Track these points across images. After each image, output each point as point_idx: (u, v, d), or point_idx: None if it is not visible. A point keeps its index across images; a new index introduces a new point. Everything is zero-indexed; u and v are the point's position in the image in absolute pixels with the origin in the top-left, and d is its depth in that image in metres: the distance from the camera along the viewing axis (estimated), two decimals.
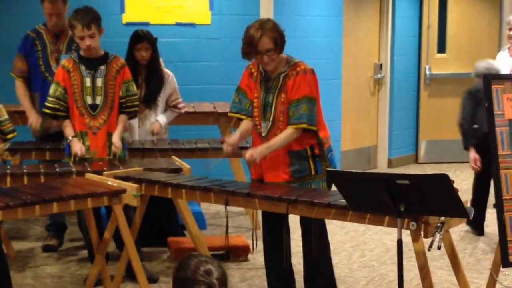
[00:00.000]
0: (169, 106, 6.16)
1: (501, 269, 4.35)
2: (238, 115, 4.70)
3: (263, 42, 4.41)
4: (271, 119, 4.55)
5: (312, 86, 4.52)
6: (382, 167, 9.42)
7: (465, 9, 9.66)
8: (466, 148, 6.44)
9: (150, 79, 5.87)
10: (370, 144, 9.34)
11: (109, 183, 4.61)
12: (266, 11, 7.66)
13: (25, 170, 4.99)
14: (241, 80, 4.72)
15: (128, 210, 4.78)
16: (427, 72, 9.56)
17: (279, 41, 4.44)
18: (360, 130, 9.22)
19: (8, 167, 5.13)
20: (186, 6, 7.57)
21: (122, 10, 7.41)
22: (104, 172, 4.79)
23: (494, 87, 4.29)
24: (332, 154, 4.65)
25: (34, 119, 5.85)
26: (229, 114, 4.78)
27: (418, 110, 9.69)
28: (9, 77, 6.00)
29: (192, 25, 7.60)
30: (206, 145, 5.96)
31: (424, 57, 9.56)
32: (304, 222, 4.60)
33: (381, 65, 9.26)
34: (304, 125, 4.47)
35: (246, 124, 4.68)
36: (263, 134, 4.59)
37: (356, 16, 8.93)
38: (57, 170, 5.02)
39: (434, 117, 9.68)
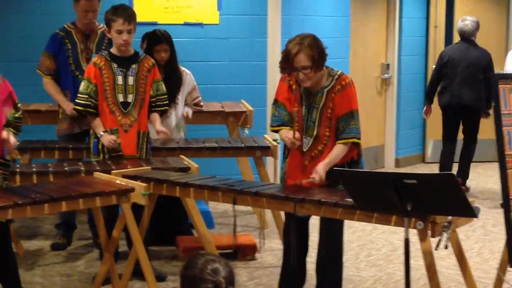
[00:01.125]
0: (189, 105, 6.18)
1: (508, 268, 4.33)
2: (281, 128, 4.54)
3: (299, 59, 4.27)
4: (314, 134, 4.45)
5: (355, 98, 4.46)
6: (389, 167, 9.41)
7: (473, 8, 9.63)
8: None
9: (169, 78, 5.87)
10: (378, 144, 9.33)
11: (118, 182, 4.62)
12: (274, 11, 7.66)
13: (34, 169, 5.01)
14: (278, 92, 4.56)
15: (137, 208, 4.78)
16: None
17: (317, 58, 4.30)
18: (367, 130, 9.17)
19: (18, 165, 5.15)
20: (194, 6, 7.58)
21: None
22: (113, 171, 4.80)
23: (501, 86, 4.27)
24: (362, 157, 4.61)
25: (73, 110, 5.73)
26: (271, 129, 4.62)
27: None
28: (23, 76, 5.97)
29: (200, 25, 7.60)
30: (214, 145, 5.96)
31: (431, 57, 9.54)
32: (324, 220, 4.52)
33: (388, 65, 9.25)
34: (355, 139, 4.43)
35: (287, 130, 4.49)
36: (304, 150, 4.48)
37: (364, 16, 8.91)
38: (66, 169, 5.03)
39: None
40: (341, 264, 4.67)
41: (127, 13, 5.20)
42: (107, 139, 5.22)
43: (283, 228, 4.79)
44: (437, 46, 9.52)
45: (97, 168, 5.01)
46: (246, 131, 6.69)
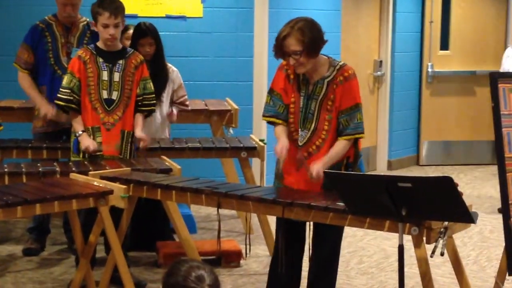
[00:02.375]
0: (175, 103, 6.17)
1: (507, 276, 4.36)
2: (273, 120, 4.52)
3: (289, 43, 4.27)
4: (312, 127, 4.45)
5: (359, 91, 4.47)
6: (381, 169, 9.44)
7: (470, 3, 9.68)
8: None
9: (155, 75, 5.86)
10: (369, 145, 9.35)
11: (95, 183, 4.61)
12: (261, 4, 7.67)
13: (6, 169, 4.99)
14: (275, 81, 4.55)
15: (115, 212, 4.78)
16: (430, 70, 9.58)
17: (309, 43, 4.27)
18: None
19: None
20: None
21: None
22: (90, 172, 4.79)
23: (500, 86, 4.30)
24: (361, 159, 4.60)
25: (48, 109, 5.73)
26: (263, 118, 4.60)
27: (420, 110, 9.71)
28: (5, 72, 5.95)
29: (183, 18, 7.60)
30: (197, 145, 5.96)
31: (426, 54, 9.58)
32: (318, 225, 4.48)
33: (381, 62, 9.28)
34: (361, 135, 4.42)
35: (284, 129, 4.49)
36: (300, 144, 4.46)
37: (356, 10, 8.94)
38: (40, 169, 5.01)
39: (436, 117, 9.70)
40: (335, 277, 4.65)
41: (114, 5, 5.19)
42: (84, 144, 5.19)
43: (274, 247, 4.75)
44: (433, 42, 9.56)
45: (73, 169, 4.99)
46: (231, 130, 6.70)
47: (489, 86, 4.36)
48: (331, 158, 4.38)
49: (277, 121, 4.52)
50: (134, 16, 7.26)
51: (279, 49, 4.32)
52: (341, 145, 4.41)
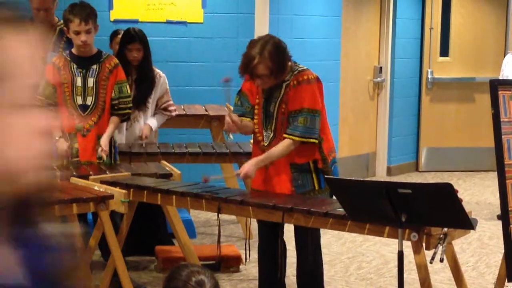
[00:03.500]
0: (159, 109, 6.15)
1: (506, 283, 4.36)
2: (241, 118, 4.66)
3: (258, 69, 4.38)
4: (272, 128, 4.56)
5: (315, 96, 4.50)
6: (381, 175, 9.45)
7: (470, 10, 9.71)
8: None
9: (141, 80, 5.89)
10: (369, 151, 9.37)
11: (96, 188, 4.62)
12: (262, 10, 7.69)
13: None
14: (243, 83, 4.72)
15: (115, 216, 4.79)
16: (429, 76, 9.60)
17: (277, 68, 4.40)
18: (358, 136, 9.25)
19: None
20: (177, 3, 7.59)
21: (110, 6, 7.42)
22: (91, 177, 4.80)
23: (501, 93, 4.32)
24: (335, 166, 4.63)
25: None
26: None
27: (419, 116, 9.72)
28: None
29: (184, 23, 7.61)
30: (197, 150, 5.97)
31: (426, 60, 9.61)
32: (298, 232, 4.61)
33: (381, 68, 9.30)
34: (296, 138, 4.46)
35: (249, 122, 4.65)
36: (265, 144, 4.57)
37: (356, 16, 8.96)
38: None
39: (436, 123, 9.71)
40: (321, 279, 4.71)
41: (84, 12, 5.15)
42: (60, 148, 5.20)
43: (258, 243, 4.82)
44: (433, 48, 9.59)
45: (74, 173, 5.00)
46: (231, 136, 6.70)
47: (489, 93, 4.37)
48: (266, 158, 4.49)
49: (245, 119, 4.65)
50: (135, 21, 7.27)
51: (248, 71, 4.44)
52: (283, 144, 4.49)
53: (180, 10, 7.60)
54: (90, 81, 5.28)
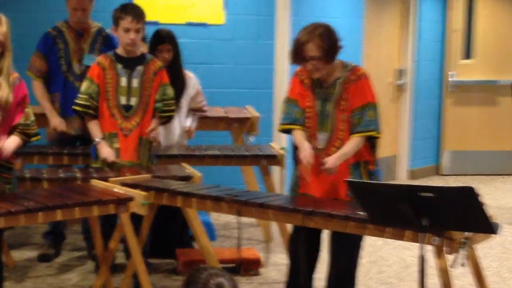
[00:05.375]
0: (193, 109, 6.21)
1: None
2: (291, 127, 4.59)
3: (308, 48, 4.37)
4: (329, 129, 4.51)
5: (373, 91, 4.52)
6: (402, 179, 9.43)
7: (493, 12, 9.67)
8: None
9: (172, 81, 5.93)
10: (390, 154, 9.35)
11: (116, 190, 4.65)
12: (283, 12, 7.70)
13: (27, 175, 5.04)
14: (291, 88, 4.65)
15: (136, 219, 4.81)
16: (451, 79, 9.57)
17: (327, 49, 4.37)
18: (379, 139, 9.20)
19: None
20: (198, 5, 7.61)
21: None
22: (111, 179, 4.83)
23: None
24: (378, 169, 4.63)
25: (57, 122, 5.87)
26: (280, 127, 4.69)
27: (441, 119, 9.70)
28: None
29: (204, 25, 7.64)
30: (217, 152, 5.98)
31: (448, 63, 9.57)
32: (336, 234, 4.53)
33: (402, 70, 9.28)
34: (373, 133, 4.45)
35: (303, 134, 4.56)
36: (320, 147, 4.52)
37: (378, 18, 8.95)
38: (61, 175, 5.06)
39: (458, 126, 9.68)
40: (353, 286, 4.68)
41: (136, 11, 5.26)
42: (104, 154, 5.25)
43: (288, 240, 4.79)
44: (455, 51, 9.56)
45: (94, 175, 5.04)
46: (251, 138, 6.72)
47: None
48: (345, 154, 4.44)
49: (295, 126, 4.59)
50: (155, 23, 7.29)
51: (298, 54, 4.41)
52: (353, 142, 4.46)
53: (200, 12, 7.62)
54: (135, 82, 5.33)
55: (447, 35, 9.56)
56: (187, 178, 5.11)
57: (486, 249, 6.56)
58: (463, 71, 9.63)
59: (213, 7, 7.63)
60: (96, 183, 4.80)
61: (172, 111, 5.51)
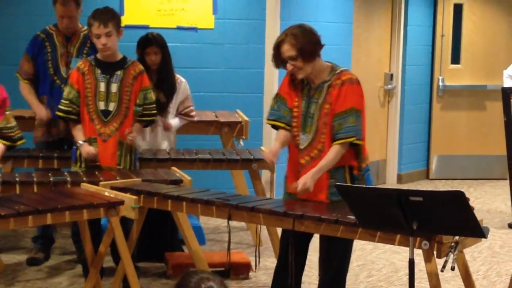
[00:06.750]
0: (180, 114, 6.20)
1: None
2: (275, 123, 4.59)
3: (284, 49, 4.39)
4: (312, 130, 4.51)
5: (360, 96, 4.49)
6: (391, 183, 9.44)
7: (481, 17, 9.70)
8: None
9: (161, 84, 5.93)
10: (379, 158, 9.36)
11: (106, 194, 4.64)
12: (273, 16, 7.71)
13: (17, 179, 5.02)
14: (281, 86, 4.66)
15: (126, 222, 4.80)
16: (440, 84, 9.59)
17: (303, 48, 4.36)
18: (368, 143, 9.12)
19: (0, 175, 5.16)
20: (188, 9, 7.61)
21: (121, 12, 7.44)
22: (101, 183, 4.82)
23: None
24: (368, 174, 4.60)
25: (43, 113, 5.84)
26: (267, 121, 4.69)
27: (430, 123, 9.71)
28: (12, 82, 5.99)
29: (194, 29, 7.63)
30: (207, 156, 5.98)
31: (437, 67, 9.59)
32: (325, 239, 4.51)
33: (392, 75, 9.30)
34: (352, 139, 4.39)
35: (284, 134, 4.57)
36: (301, 147, 4.51)
37: (367, 23, 8.97)
38: (51, 179, 5.04)
39: (446, 131, 9.70)
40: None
41: (104, 16, 5.24)
42: (85, 150, 5.25)
43: (279, 243, 4.78)
44: (444, 56, 9.58)
45: (84, 179, 5.02)
46: (242, 142, 6.72)
47: (501, 101, 4.38)
48: (321, 168, 4.39)
49: (280, 124, 4.58)
50: (146, 27, 7.30)
51: (276, 56, 4.44)
52: (332, 152, 4.41)
53: (191, 16, 7.62)
54: (114, 87, 5.32)
55: (436, 40, 9.58)
56: (177, 182, 5.10)
57: (476, 253, 6.57)
58: (451, 76, 9.65)
59: (204, 11, 7.63)
60: (86, 186, 4.79)
61: (154, 115, 5.50)
